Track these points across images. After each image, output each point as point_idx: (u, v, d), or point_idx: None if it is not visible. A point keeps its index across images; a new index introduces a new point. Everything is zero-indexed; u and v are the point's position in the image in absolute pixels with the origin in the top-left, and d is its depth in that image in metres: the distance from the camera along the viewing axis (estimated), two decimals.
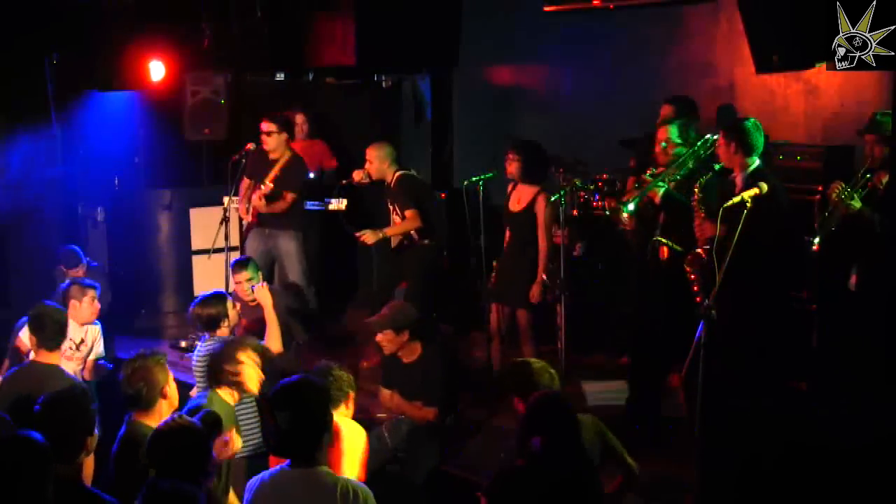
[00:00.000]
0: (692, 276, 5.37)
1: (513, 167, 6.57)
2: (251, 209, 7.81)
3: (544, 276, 6.48)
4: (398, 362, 5.93)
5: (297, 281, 7.86)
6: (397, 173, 7.37)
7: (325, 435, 3.84)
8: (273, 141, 7.77)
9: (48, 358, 5.26)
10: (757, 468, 4.63)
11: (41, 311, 5.35)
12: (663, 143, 5.91)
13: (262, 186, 7.72)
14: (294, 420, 3.76)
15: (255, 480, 3.91)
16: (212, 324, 5.61)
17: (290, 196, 7.76)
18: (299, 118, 8.91)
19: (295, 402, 3.79)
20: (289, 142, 7.99)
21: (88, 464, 4.45)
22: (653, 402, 6.05)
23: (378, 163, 7.37)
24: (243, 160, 7.84)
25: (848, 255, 5.65)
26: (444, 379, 5.88)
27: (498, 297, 6.70)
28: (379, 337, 5.89)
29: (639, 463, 4.66)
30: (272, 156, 7.82)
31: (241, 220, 8.38)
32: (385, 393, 6.03)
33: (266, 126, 7.75)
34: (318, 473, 3.79)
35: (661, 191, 5.78)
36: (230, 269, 7.09)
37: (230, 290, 6.92)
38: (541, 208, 6.50)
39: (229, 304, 5.76)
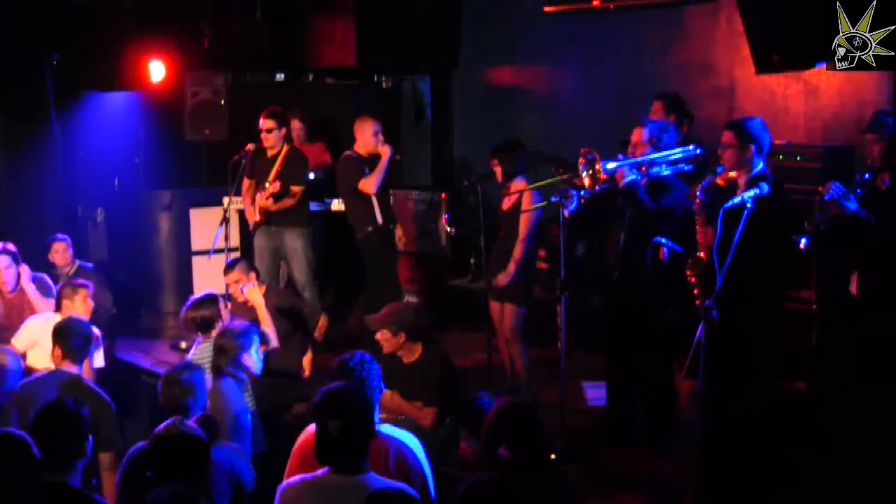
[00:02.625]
0: (692, 280, 5.35)
1: (497, 171, 6.62)
2: (258, 209, 7.72)
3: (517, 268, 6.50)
4: (398, 362, 5.93)
5: (301, 278, 7.84)
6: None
7: (371, 440, 3.77)
8: (273, 138, 7.69)
9: (71, 368, 5.25)
10: (756, 468, 4.62)
11: (66, 323, 5.38)
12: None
13: (267, 185, 7.66)
14: (345, 428, 3.66)
15: (287, 484, 3.79)
16: (205, 326, 5.60)
17: (296, 189, 7.69)
18: (295, 124, 8.77)
19: (346, 409, 3.70)
20: (287, 137, 7.94)
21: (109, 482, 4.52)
22: (630, 403, 6.07)
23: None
24: (243, 160, 7.78)
25: (846, 259, 5.64)
26: (444, 379, 5.88)
27: (493, 294, 6.73)
28: (378, 335, 5.90)
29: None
30: (271, 153, 7.76)
31: (241, 220, 8.36)
32: (385, 393, 6.00)
33: (264, 123, 7.68)
34: (367, 481, 3.68)
35: (630, 178, 5.69)
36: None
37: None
38: (525, 202, 6.50)
39: (221, 304, 5.76)
